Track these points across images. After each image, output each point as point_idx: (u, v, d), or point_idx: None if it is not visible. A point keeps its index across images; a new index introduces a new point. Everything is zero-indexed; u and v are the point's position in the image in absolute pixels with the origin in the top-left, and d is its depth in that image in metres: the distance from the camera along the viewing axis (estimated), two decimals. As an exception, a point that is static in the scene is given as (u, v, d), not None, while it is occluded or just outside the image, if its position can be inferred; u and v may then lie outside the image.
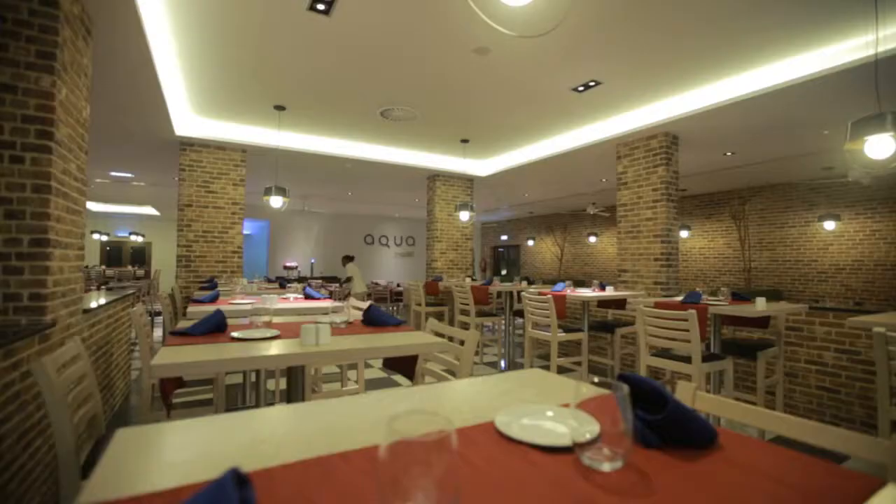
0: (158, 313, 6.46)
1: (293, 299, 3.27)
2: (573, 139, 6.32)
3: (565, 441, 0.75)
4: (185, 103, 5.31)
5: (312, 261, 14.40)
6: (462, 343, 1.97)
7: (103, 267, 14.66)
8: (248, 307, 2.47)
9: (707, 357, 3.39)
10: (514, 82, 4.59)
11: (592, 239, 11.86)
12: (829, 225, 7.41)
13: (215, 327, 1.74)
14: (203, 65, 4.26)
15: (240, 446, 0.73)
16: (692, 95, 4.85)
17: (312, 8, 3.28)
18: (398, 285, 11.64)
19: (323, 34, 3.66)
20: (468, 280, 7.18)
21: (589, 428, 0.74)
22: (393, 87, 4.74)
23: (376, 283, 11.58)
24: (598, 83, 4.60)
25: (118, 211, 15.10)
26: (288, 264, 13.71)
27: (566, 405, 0.95)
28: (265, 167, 7.50)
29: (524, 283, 6.27)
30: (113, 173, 8.74)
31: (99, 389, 3.67)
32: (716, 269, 9.49)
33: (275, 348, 1.49)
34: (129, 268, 15.12)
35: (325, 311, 2.59)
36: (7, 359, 2.06)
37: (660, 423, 0.75)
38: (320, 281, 11.67)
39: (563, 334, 4.49)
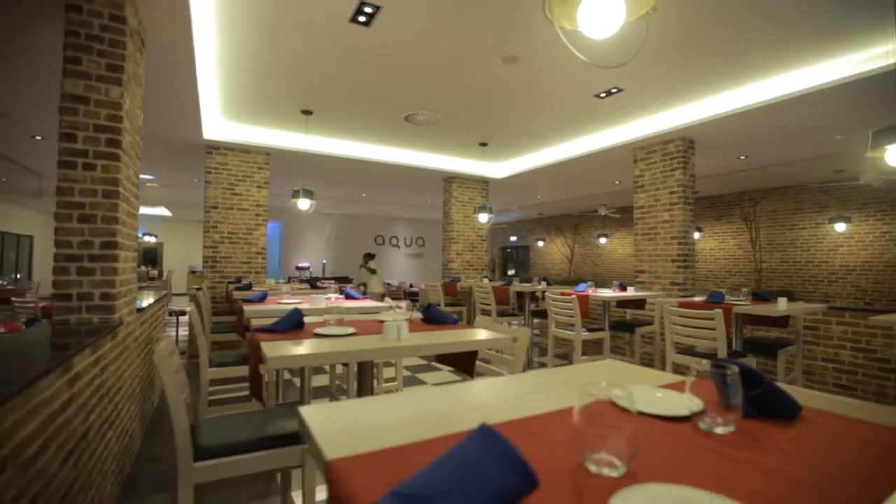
0: (183, 313, 6.60)
1: (334, 299, 3.42)
2: (590, 143, 6.45)
3: (683, 412, 0.89)
4: (215, 107, 5.45)
5: (324, 261, 14.55)
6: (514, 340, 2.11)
7: (117, 267, 14.79)
8: (323, 306, 2.62)
9: (731, 354, 3.52)
10: (539, 89, 4.73)
11: (603, 240, 12.00)
12: (840, 227, 7.54)
13: (294, 325, 1.88)
14: (238, 71, 4.40)
15: (413, 418, 0.88)
16: (710, 101, 4.98)
17: (354, 20, 3.43)
18: (411, 286, 11.78)
19: (359, 44, 3.80)
20: (486, 280, 7.32)
21: (694, 402, 0.89)
22: (420, 93, 4.89)
23: (388, 284, 11.72)
24: (619, 90, 4.74)
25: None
26: (300, 265, 13.87)
27: (663, 386, 1.09)
28: (285, 169, 7.66)
29: (543, 284, 6.41)
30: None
31: (144, 386, 3.83)
32: (726, 270, 9.62)
33: (362, 343, 1.64)
34: (143, 268, 15.28)
35: (376, 311, 2.73)
36: (92, 355, 2.21)
37: (757, 397, 0.89)
38: (332, 281, 11.82)
39: (587, 333, 4.63)
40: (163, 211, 15.15)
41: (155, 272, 15.20)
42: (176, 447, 1.50)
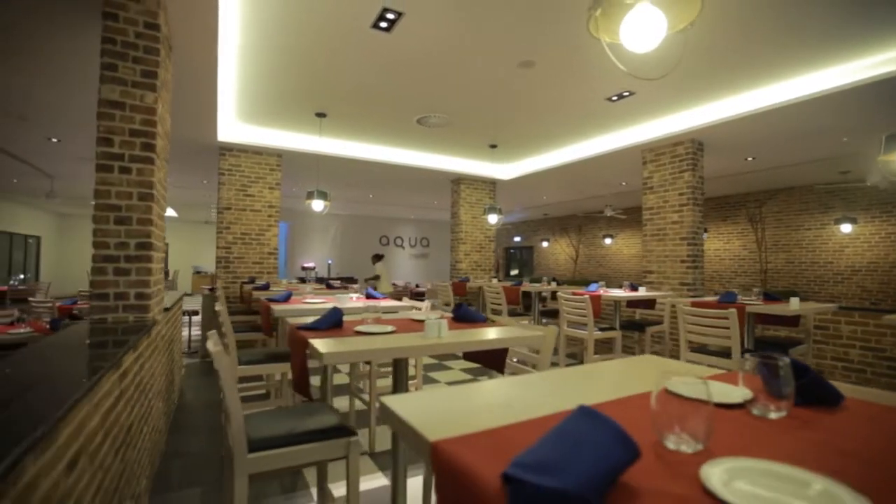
0: (195, 312, 6.67)
1: (355, 299, 3.50)
2: (599, 145, 6.53)
3: (737, 399, 0.96)
4: (230, 110, 5.53)
5: (330, 262, 14.63)
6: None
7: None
8: (360, 306, 2.69)
9: (744, 353, 3.59)
10: (552, 93, 4.80)
11: (608, 240, 12.07)
12: (846, 228, 7.61)
13: (335, 324, 1.96)
14: (256, 75, 4.48)
15: (497, 404, 0.96)
16: (719, 105, 5.05)
17: (376, 26, 3.50)
18: (417, 286, 11.85)
19: (379, 49, 3.88)
20: (494, 280, 7.39)
21: (744, 392, 0.97)
22: (434, 96, 4.96)
23: (394, 284, 11.79)
24: (631, 93, 4.81)
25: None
26: (306, 265, 13.94)
27: (710, 377, 1.17)
28: (294, 171, 7.73)
29: (553, 284, 6.48)
30: (145, 177, 8.96)
31: (167, 384, 3.89)
32: (731, 270, 9.69)
33: (407, 340, 1.72)
34: (149, 268, 15.32)
35: (399, 310, 2.81)
36: (134, 353, 2.28)
37: (805, 386, 0.97)
38: (339, 282, 11.88)
39: (599, 332, 4.69)
40: (169, 212, 15.21)
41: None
42: (232, 439, 1.58)
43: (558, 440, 0.64)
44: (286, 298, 3.37)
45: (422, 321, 2.27)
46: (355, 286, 10.16)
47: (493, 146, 6.94)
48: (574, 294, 4.97)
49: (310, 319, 2.11)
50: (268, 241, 6.74)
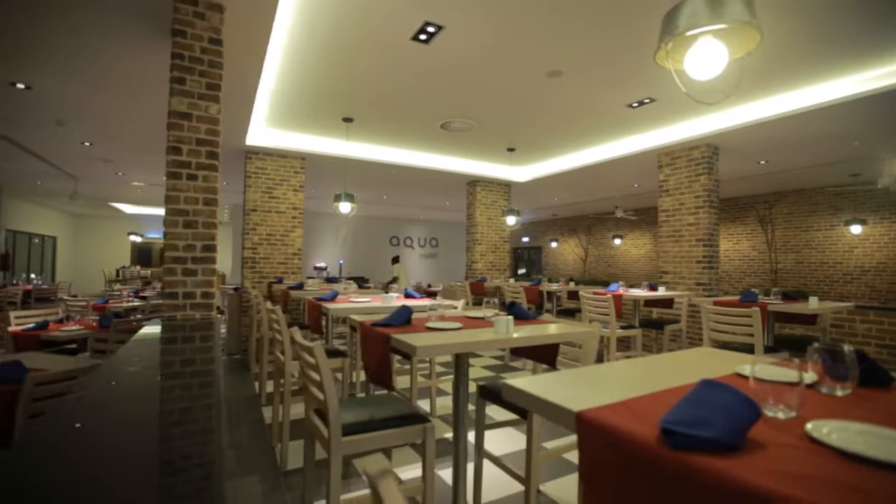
0: (220, 311, 6.85)
1: (396, 298, 3.67)
2: (616, 149, 6.69)
3: (808, 381, 1.14)
4: (260, 116, 5.71)
5: (341, 262, 14.81)
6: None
7: (138, 267, 15.09)
8: (427, 304, 2.88)
9: (766, 350, 3.76)
10: (576, 100, 4.97)
11: (617, 241, 12.24)
12: (856, 229, 7.77)
13: (406, 321, 2.14)
14: (291, 81, 4.63)
15: (608, 385, 1.14)
16: (737, 111, 5.22)
17: (415, 38, 3.68)
18: (429, 286, 12.03)
19: (414, 59, 4.05)
20: (511, 280, 7.56)
21: (809, 375, 1.15)
22: (460, 103, 5.13)
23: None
24: (652, 100, 4.98)
25: (150, 213, 15.57)
26: (317, 265, 14.12)
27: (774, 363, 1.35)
28: (312, 174, 7.91)
29: (571, 284, 6.65)
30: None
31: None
32: (741, 270, 9.85)
33: (481, 335, 1.90)
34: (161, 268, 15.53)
35: (447, 307, 2.98)
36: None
37: (865, 369, 1.14)
38: (351, 281, 12.06)
39: (620, 330, 4.86)
40: (182, 212, 15.39)
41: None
42: (329, 424, 1.76)
43: (695, 403, 0.82)
44: (333, 297, 3.55)
45: (477, 318, 2.44)
46: (369, 286, 10.33)
47: (511, 149, 7.11)
48: (595, 294, 5.14)
49: (377, 317, 2.28)
50: (292, 242, 6.91)
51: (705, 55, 1.52)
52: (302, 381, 2.33)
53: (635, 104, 5.10)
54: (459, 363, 2.19)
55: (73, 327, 4.16)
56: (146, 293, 8.04)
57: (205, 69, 2.87)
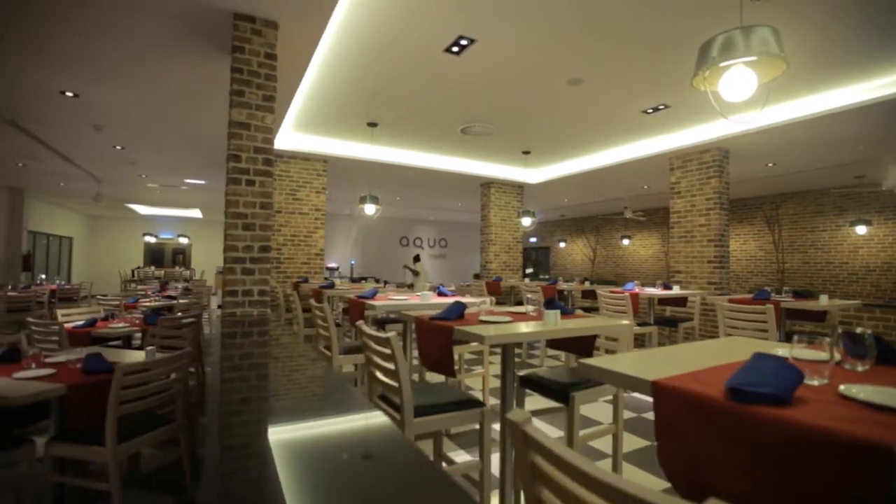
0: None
1: (432, 297, 3.90)
2: (628, 152, 6.91)
3: (835, 359, 1.36)
4: (288, 120, 5.93)
5: (352, 262, 15.05)
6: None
7: (152, 267, 15.34)
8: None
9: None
10: (593, 106, 5.19)
11: (626, 241, 12.45)
12: (861, 229, 7.98)
13: (460, 314, 2.36)
14: (322, 89, 4.85)
15: (670, 361, 1.36)
16: (747, 117, 5.42)
17: (448, 50, 3.91)
18: (441, 285, 12.24)
19: (444, 69, 4.28)
20: (527, 280, 7.78)
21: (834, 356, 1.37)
22: (482, 109, 5.35)
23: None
24: (666, 106, 5.20)
25: (163, 214, 15.83)
26: (329, 265, 14.35)
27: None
28: (330, 175, 8.14)
29: (587, 283, 6.87)
30: (188, 180, 9.42)
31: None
32: (748, 270, 10.06)
33: (533, 326, 2.13)
34: (176, 268, 15.80)
35: (479, 304, 3.21)
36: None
37: (882, 351, 1.36)
38: (364, 280, 12.29)
39: (637, 328, 5.08)
40: (195, 213, 15.68)
41: (188, 272, 15.71)
42: (403, 408, 1.98)
43: (752, 370, 1.04)
44: (373, 295, 3.78)
45: (521, 312, 2.67)
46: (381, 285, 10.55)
47: (526, 152, 7.33)
48: (613, 292, 5.37)
49: (426, 313, 2.51)
50: (314, 243, 7.15)
51: (738, 81, 1.74)
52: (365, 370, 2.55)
53: (650, 110, 5.32)
54: (506, 354, 2.41)
55: (120, 324, 4.38)
56: (167, 293, 8.27)
57: (261, 82, 3.10)
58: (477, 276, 16.45)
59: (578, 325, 2.30)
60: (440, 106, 5.29)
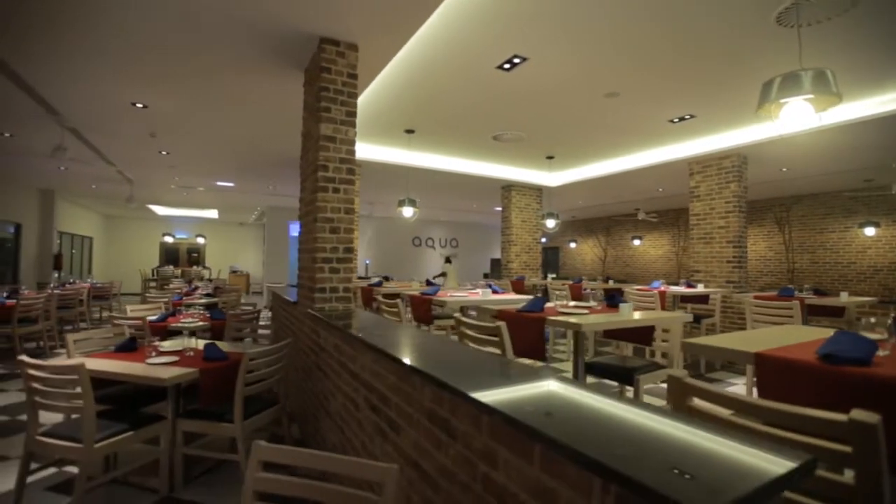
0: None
1: (492, 294, 4.24)
2: (649, 157, 7.26)
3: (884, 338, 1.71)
4: (331, 128, 6.25)
5: (367, 262, 15.37)
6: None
7: (171, 267, 15.62)
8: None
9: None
10: (626, 116, 5.53)
11: (637, 242, 12.81)
12: (870, 231, 8.35)
13: (542, 308, 2.71)
14: (368, 96, 5.12)
15: (762, 341, 1.70)
16: (766, 126, 5.76)
17: (500, 67, 4.24)
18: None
19: (492, 84, 4.60)
20: (550, 278, 8.12)
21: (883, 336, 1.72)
22: (519, 118, 5.68)
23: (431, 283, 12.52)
24: (692, 116, 5.55)
25: (179, 214, 16.12)
26: (346, 265, 14.65)
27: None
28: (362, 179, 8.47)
29: (610, 282, 7.22)
30: (218, 183, 9.73)
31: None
32: (757, 270, 10.43)
33: (612, 317, 2.47)
34: (194, 268, 16.10)
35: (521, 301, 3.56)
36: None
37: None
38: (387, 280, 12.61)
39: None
40: (212, 213, 15.98)
41: (206, 271, 16.00)
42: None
43: (838, 341, 1.39)
44: (435, 293, 4.12)
45: (589, 305, 3.01)
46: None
47: (550, 157, 7.67)
48: (639, 290, 5.72)
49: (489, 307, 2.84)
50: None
51: (796, 112, 2.09)
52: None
53: (676, 119, 5.66)
54: (578, 340, 2.76)
55: (190, 319, 4.71)
56: (200, 291, 8.58)
57: (345, 99, 3.43)
58: (486, 276, 16.80)
59: (646, 316, 2.64)
60: (479, 115, 5.62)
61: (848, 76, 4.38)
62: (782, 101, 2.02)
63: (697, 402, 1.23)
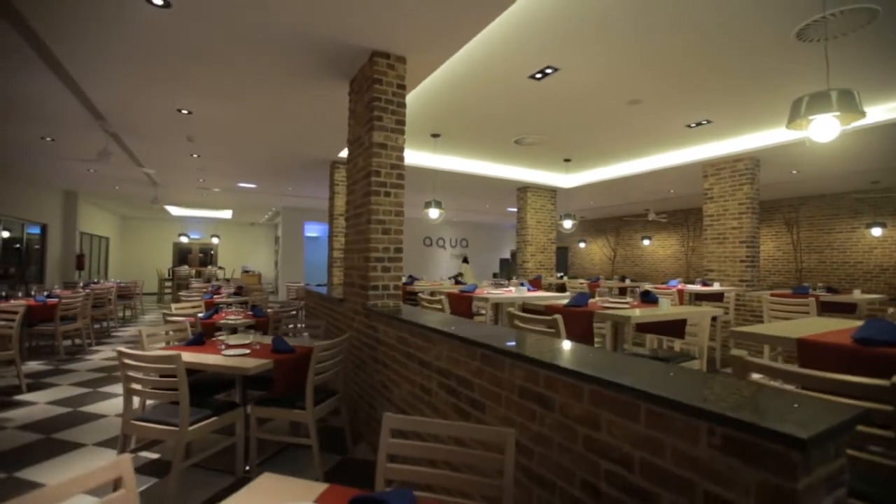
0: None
1: (514, 291, 4.49)
2: (664, 160, 7.50)
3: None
4: (360, 133, 6.50)
5: (379, 261, 15.60)
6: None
7: (186, 266, 15.87)
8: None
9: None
10: (646, 122, 5.78)
11: (646, 242, 13.06)
12: (877, 231, 8.60)
13: (585, 303, 2.96)
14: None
15: (800, 328, 1.95)
16: (779, 131, 6.01)
17: (532, 77, 4.49)
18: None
19: (522, 92, 4.84)
20: (566, 277, 8.37)
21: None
22: (543, 124, 5.93)
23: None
24: (709, 122, 5.79)
25: (193, 214, 16.37)
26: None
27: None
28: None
29: (627, 281, 7.47)
30: (241, 184, 9.99)
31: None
32: (766, 269, 10.67)
33: (650, 311, 2.71)
34: (209, 268, 16.35)
35: (556, 298, 3.80)
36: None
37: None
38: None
39: (684, 320, 5.69)
40: (226, 214, 16.23)
41: (220, 271, 16.25)
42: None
43: (870, 327, 1.64)
44: (473, 290, 4.37)
45: (626, 302, 3.26)
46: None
47: (568, 160, 7.92)
48: (658, 288, 5.96)
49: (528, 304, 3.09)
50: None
51: (824, 126, 2.33)
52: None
53: (693, 124, 5.91)
54: (618, 331, 3.01)
55: (234, 317, 4.96)
56: (223, 291, 8.83)
57: (394, 108, 3.68)
58: (495, 275, 17.04)
59: (681, 310, 2.89)
60: (505, 120, 5.86)
61: (857, 86, 4.62)
62: (810, 117, 2.26)
63: (755, 376, 1.48)
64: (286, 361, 2.99)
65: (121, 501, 1.18)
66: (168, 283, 14.61)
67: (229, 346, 3.28)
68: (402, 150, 3.71)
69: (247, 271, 17.80)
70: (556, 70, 4.34)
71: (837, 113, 2.21)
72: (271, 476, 1.36)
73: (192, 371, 3.06)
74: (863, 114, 2.21)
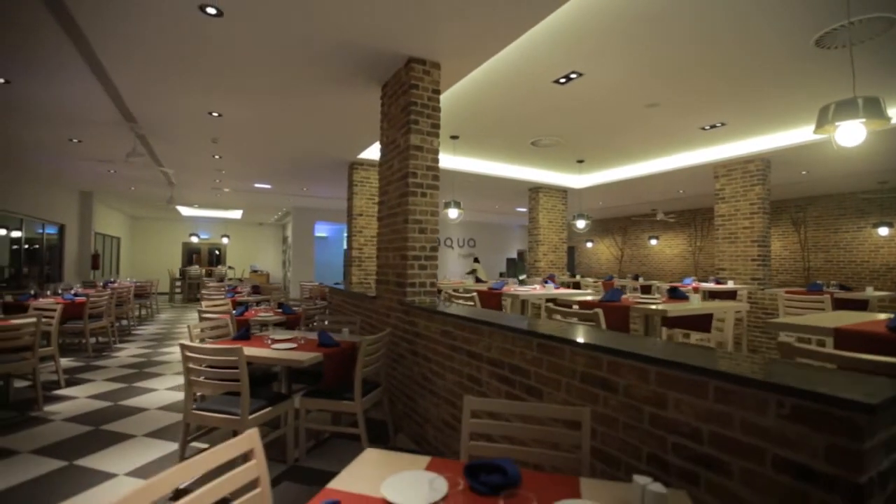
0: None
1: (539, 288, 4.64)
2: (676, 161, 7.65)
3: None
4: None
5: (388, 261, 15.76)
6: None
7: (196, 266, 16.02)
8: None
9: (833, 329, 4.75)
10: (661, 124, 5.93)
11: (654, 241, 13.22)
12: (883, 231, 8.76)
13: (618, 299, 3.11)
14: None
15: (830, 318, 2.11)
16: (791, 134, 6.16)
17: (556, 81, 4.64)
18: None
19: (545, 96, 5.00)
20: (579, 276, 8.52)
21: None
22: (561, 126, 6.08)
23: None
24: (723, 124, 5.95)
25: (203, 215, 16.52)
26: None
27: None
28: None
29: (641, 280, 7.62)
30: (257, 185, 10.14)
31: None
32: (773, 268, 10.83)
33: (681, 306, 2.87)
34: (219, 267, 16.49)
35: (581, 294, 3.96)
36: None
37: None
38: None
39: (699, 317, 5.84)
40: (236, 214, 16.38)
41: (230, 270, 16.39)
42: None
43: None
44: (501, 287, 4.52)
45: (655, 299, 3.41)
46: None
47: (581, 161, 8.07)
48: (672, 286, 6.12)
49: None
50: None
51: (851, 131, 2.49)
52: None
53: (707, 127, 6.06)
54: (648, 324, 3.16)
55: (268, 315, 5.12)
56: (240, 289, 8.98)
57: (430, 112, 3.84)
58: (502, 274, 17.19)
59: (710, 304, 3.05)
60: (524, 123, 6.01)
61: (871, 90, 4.78)
62: (837, 123, 2.41)
63: (800, 360, 1.63)
64: (335, 354, 3.14)
65: (254, 470, 1.34)
66: (178, 283, 14.76)
67: (276, 341, 3.43)
68: (436, 152, 3.86)
69: (255, 271, 17.97)
70: (580, 75, 4.49)
71: (864, 119, 2.36)
72: (374, 451, 1.52)
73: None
74: (888, 120, 2.36)
